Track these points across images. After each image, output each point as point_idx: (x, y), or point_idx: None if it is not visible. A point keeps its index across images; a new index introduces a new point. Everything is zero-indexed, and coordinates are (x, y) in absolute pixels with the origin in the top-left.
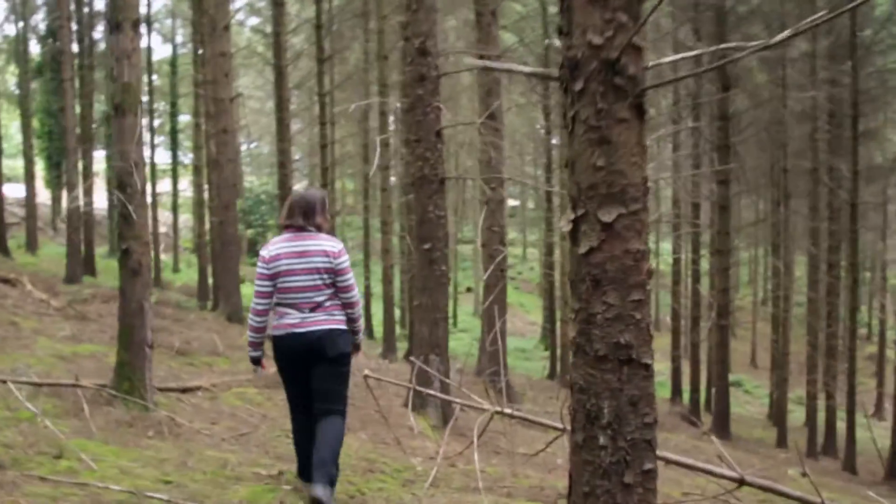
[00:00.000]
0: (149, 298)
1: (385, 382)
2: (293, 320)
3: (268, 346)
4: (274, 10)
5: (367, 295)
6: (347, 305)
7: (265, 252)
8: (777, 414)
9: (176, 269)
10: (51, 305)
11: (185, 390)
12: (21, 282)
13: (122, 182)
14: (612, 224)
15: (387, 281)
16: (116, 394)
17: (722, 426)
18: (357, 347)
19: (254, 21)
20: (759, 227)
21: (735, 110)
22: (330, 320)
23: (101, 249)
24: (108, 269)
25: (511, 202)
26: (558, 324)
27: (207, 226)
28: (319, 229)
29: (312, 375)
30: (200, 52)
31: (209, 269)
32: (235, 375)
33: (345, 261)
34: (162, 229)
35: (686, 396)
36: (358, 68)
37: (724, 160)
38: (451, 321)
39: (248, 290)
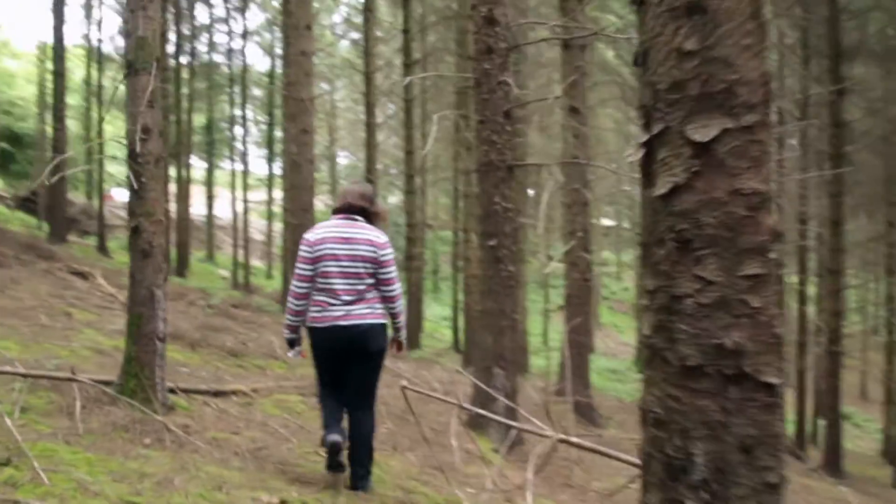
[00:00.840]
0: (162, 285)
1: (436, 396)
2: (338, 312)
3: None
4: (364, 16)
5: (455, 309)
6: (388, 299)
7: (310, 235)
8: (891, 451)
9: (269, 276)
10: (117, 300)
11: (217, 393)
12: (93, 276)
13: (133, 150)
14: (710, 146)
15: (468, 291)
16: (113, 393)
17: (833, 463)
18: (401, 345)
19: (354, 36)
20: (871, 249)
21: (849, 117)
22: (373, 314)
23: (200, 253)
24: (201, 271)
25: (606, 222)
26: None
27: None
28: (368, 220)
29: (350, 368)
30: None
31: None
32: (283, 381)
33: (389, 253)
34: (258, 237)
35: (790, 427)
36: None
37: (837, 171)
38: (540, 338)
39: None
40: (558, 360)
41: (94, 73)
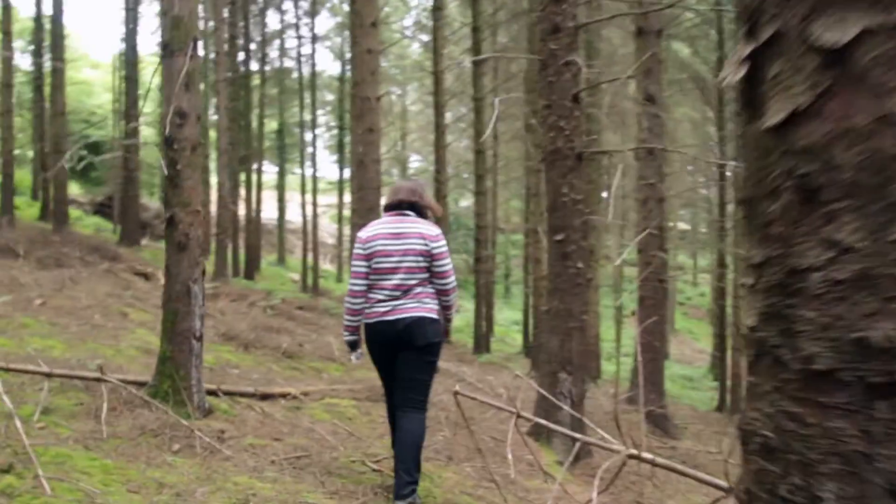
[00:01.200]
0: (200, 279)
1: (491, 403)
2: (384, 308)
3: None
4: (433, 14)
5: (526, 312)
6: (442, 292)
7: (363, 233)
8: None
9: (339, 279)
10: None
11: (264, 396)
12: (156, 276)
13: (168, 136)
14: (846, 53)
15: (537, 294)
16: (145, 396)
17: None
18: (446, 332)
19: (424, 38)
20: None
21: None
22: (420, 307)
23: (271, 257)
24: (272, 275)
25: (682, 226)
26: (729, 352)
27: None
28: (420, 215)
29: (398, 363)
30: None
31: None
32: (337, 384)
33: (442, 245)
34: (329, 240)
35: None
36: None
37: None
38: (612, 344)
39: None
40: (630, 365)
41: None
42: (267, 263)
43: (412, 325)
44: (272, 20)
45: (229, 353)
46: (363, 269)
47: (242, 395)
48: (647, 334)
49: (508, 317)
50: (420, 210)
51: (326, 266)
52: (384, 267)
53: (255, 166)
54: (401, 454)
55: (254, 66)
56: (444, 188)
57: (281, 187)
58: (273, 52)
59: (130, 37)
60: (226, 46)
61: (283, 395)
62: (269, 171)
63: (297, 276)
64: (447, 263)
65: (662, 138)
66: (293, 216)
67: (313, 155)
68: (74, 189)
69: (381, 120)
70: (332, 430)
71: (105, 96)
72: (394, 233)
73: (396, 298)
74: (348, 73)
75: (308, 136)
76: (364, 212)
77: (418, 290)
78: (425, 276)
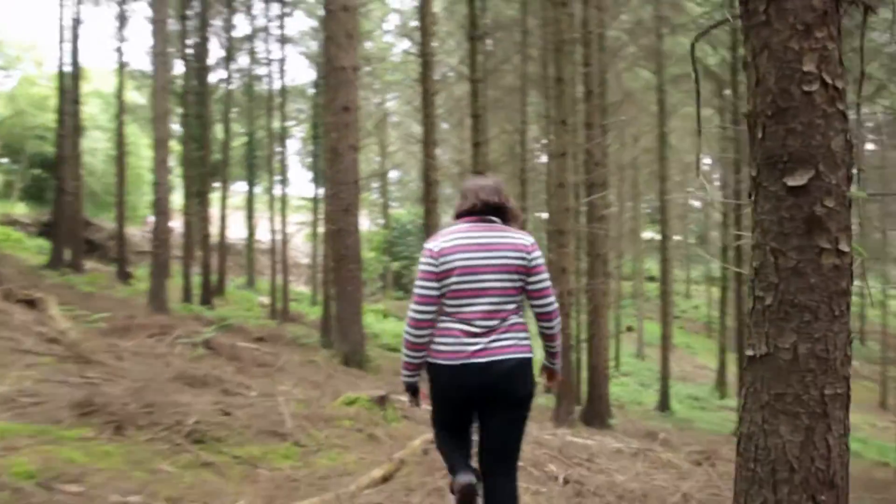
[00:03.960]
0: None
1: None
2: (473, 345)
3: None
4: (420, 11)
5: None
6: (544, 316)
7: (433, 244)
8: None
9: (315, 302)
10: (62, 339)
11: None
12: (46, 305)
13: None
14: None
15: (562, 312)
16: None
17: None
18: (554, 374)
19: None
20: None
21: None
22: (519, 346)
23: (240, 279)
24: (239, 299)
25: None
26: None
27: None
28: (507, 221)
29: (488, 422)
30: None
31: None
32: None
33: (539, 256)
34: (304, 260)
35: None
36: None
37: None
38: (612, 364)
39: (379, 325)
40: (639, 390)
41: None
42: (235, 286)
43: (514, 369)
44: (241, 24)
45: (83, 444)
46: (433, 292)
47: None
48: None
49: None
50: (507, 215)
51: (300, 288)
52: (468, 288)
53: (221, 181)
54: None
55: (221, 73)
56: (435, 207)
57: (250, 203)
58: (242, 58)
59: (74, 51)
60: (191, 51)
61: None
62: (237, 189)
63: (267, 300)
64: (547, 279)
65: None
66: (265, 235)
67: (283, 168)
68: (20, 209)
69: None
70: None
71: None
72: (480, 243)
73: (488, 333)
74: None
75: (279, 150)
76: (338, 213)
77: (513, 319)
78: (520, 298)
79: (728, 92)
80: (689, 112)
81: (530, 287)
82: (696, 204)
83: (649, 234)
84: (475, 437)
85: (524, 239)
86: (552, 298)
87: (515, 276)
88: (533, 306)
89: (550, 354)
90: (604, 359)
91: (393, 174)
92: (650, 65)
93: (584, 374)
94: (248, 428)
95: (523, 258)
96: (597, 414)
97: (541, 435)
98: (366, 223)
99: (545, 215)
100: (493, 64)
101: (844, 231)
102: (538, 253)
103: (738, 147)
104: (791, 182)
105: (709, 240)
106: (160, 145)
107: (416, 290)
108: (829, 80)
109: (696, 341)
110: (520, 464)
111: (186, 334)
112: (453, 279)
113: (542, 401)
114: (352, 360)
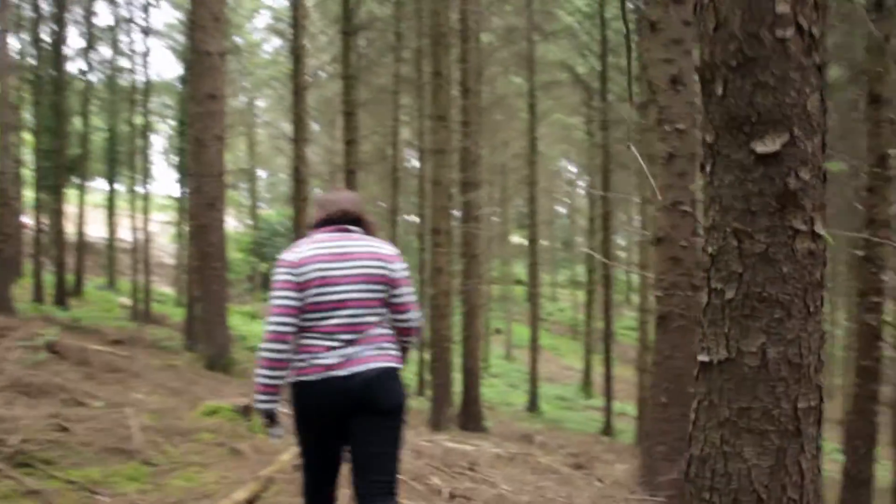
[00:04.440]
0: None
1: None
2: (329, 358)
3: None
4: (292, 4)
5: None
6: (405, 332)
7: (289, 255)
8: None
9: (179, 303)
10: None
11: None
12: None
13: None
14: None
15: (439, 314)
16: None
17: None
18: None
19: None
20: None
21: None
22: (382, 356)
23: (101, 279)
24: (99, 300)
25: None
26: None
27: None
28: (367, 231)
29: (356, 436)
30: None
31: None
32: None
33: (403, 269)
34: (168, 261)
35: None
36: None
37: None
38: (482, 366)
39: (246, 327)
40: (509, 391)
41: None
42: (94, 287)
43: (375, 380)
44: (104, 13)
45: None
46: (294, 303)
47: None
48: None
49: None
50: (367, 228)
51: (164, 289)
52: (328, 300)
53: (79, 176)
54: None
55: (81, 64)
56: (305, 206)
57: (111, 200)
58: (104, 49)
59: None
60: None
61: None
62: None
63: (128, 301)
64: (411, 292)
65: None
66: (127, 234)
67: (146, 164)
68: None
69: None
70: None
71: None
72: (338, 253)
73: (348, 344)
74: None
75: (143, 144)
76: (202, 207)
77: (377, 331)
78: (384, 311)
79: (596, 101)
80: (557, 119)
81: (393, 300)
82: (562, 210)
83: (517, 238)
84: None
85: (385, 248)
86: (415, 314)
87: (377, 287)
88: (395, 321)
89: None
90: (478, 361)
91: (262, 174)
92: (522, 71)
93: (458, 376)
94: (88, 446)
95: (384, 268)
96: (472, 417)
97: (418, 442)
98: (233, 224)
99: (417, 219)
100: (365, 63)
101: (820, 210)
102: (401, 264)
103: (606, 155)
104: (760, 148)
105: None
106: (3, 130)
107: (275, 301)
108: (805, 26)
109: (562, 343)
110: (400, 477)
111: (28, 336)
112: (312, 291)
113: (416, 404)
114: (216, 364)
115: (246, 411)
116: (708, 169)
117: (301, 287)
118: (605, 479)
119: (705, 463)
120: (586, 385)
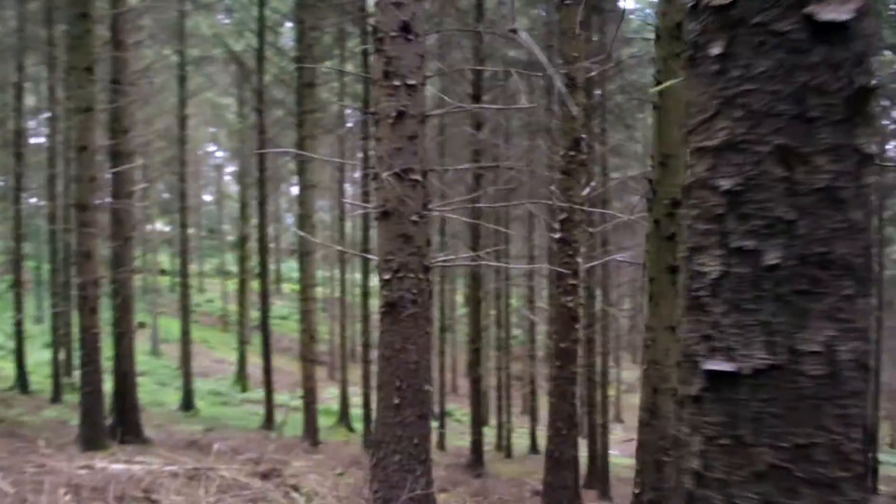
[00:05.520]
0: None
1: None
2: None
3: None
4: None
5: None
6: None
7: None
8: None
9: None
10: None
11: None
12: None
13: None
14: None
15: (87, 307)
16: None
17: None
18: None
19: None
20: None
21: None
22: None
23: None
24: None
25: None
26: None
27: None
28: None
29: None
30: None
31: None
32: None
33: None
34: None
35: None
36: None
37: None
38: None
39: None
40: (159, 390)
41: None
42: None
43: None
44: None
45: None
46: None
47: None
48: None
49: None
50: None
51: None
52: None
53: None
54: None
55: None
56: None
57: None
58: None
59: None
60: None
61: None
62: None
63: None
64: None
65: None
66: None
67: None
68: None
69: None
70: None
71: None
72: None
73: None
74: None
75: None
76: None
77: None
78: None
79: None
80: (206, 98)
81: None
82: (209, 197)
83: (160, 225)
84: None
85: None
86: None
87: None
88: None
89: None
90: (133, 361)
91: None
92: (172, 43)
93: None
94: None
95: None
96: (130, 427)
97: (72, 471)
98: None
99: (42, 202)
100: None
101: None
102: None
103: (261, 141)
104: (824, 15)
105: (221, 232)
106: None
107: None
108: None
109: (212, 335)
110: None
111: None
112: None
113: (55, 413)
114: None
115: None
116: (717, 51)
117: None
118: (303, 490)
119: None
120: (241, 378)
